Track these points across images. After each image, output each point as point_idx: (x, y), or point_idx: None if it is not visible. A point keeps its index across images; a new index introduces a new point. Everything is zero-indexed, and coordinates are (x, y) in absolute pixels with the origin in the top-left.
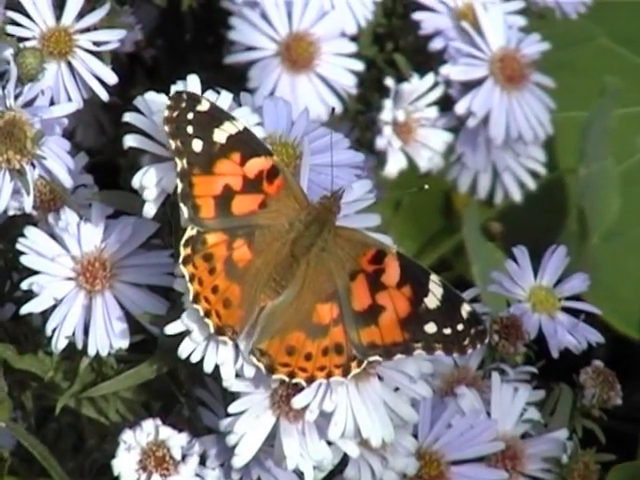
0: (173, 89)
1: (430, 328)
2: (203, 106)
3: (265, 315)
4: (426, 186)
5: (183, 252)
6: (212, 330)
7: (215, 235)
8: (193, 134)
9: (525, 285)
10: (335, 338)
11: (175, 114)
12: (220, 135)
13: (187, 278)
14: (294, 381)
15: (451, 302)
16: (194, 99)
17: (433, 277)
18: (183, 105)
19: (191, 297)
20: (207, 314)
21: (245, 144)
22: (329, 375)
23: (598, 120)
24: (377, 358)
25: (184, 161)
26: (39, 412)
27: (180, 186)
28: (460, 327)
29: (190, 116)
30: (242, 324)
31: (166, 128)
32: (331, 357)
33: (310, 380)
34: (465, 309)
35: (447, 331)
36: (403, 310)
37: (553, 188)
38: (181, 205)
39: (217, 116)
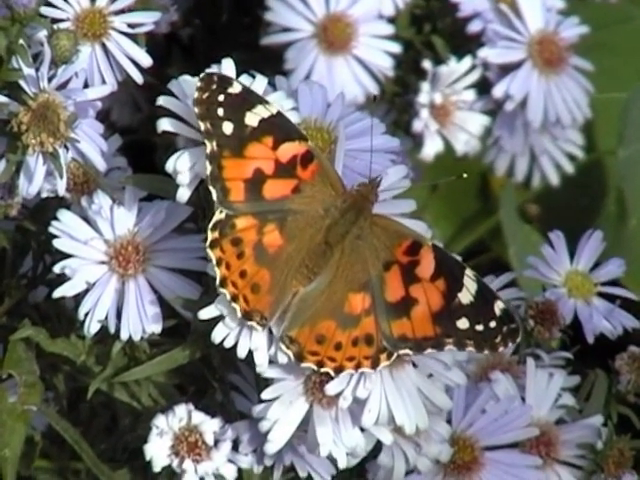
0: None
1: (462, 324)
2: (234, 88)
3: (296, 302)
4: (465, 175)
5: (210, 235)
6: (239, 314)
7: (244, 219)
8: (224, 116)
9: (561, 270)
10: (366, 329)
11: (205, 96)
12: (252, 118)
13: (214, 262)
14: (322, 370)
15: (485, 298)
16: (225, 81)
17: (468, 272)
18: (214, 87)
19: (218, 281)
20: (234, 298)
21: (278, 128)
22: (358, 366)
23: (637, 102)
24: (407, 351)
25: (214, 143)
26: (72, 391)
27: (209, 168)
28: (493, 324)
29: (221, 98)
30: (272, 310)
31: (195, 109)
32: (361, 348)
33: (338, 370)
34: (499, 306)
35: (479, 327)
36: (436, 304)
37: (592, 170)
38: (210, 187)
39: (249, 99)
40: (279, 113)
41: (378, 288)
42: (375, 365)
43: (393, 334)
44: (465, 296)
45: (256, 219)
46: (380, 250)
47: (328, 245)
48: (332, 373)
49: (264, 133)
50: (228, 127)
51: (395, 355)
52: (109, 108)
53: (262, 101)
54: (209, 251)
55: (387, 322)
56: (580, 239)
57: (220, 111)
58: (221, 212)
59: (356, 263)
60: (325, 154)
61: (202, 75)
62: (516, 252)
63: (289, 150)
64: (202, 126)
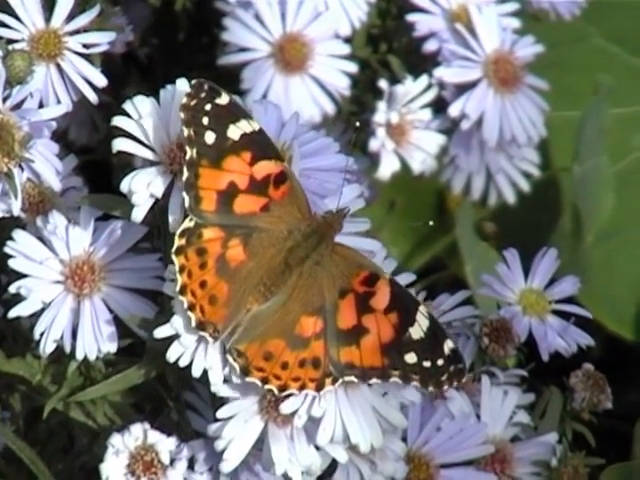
0: (162, 93)
1: (410, 358)
2: (222, 100)
3: (249, 317)
4: (431, 222)
5: (177, 242)
6: (193, 324)
7: (212, 230)
8: (207, 126)
9: (515, 288)
10: (314, 352)
11: (193, 103)
12: (234, 132)
13: (177, 268)
14: (266, 387)
15: (435, 336)
16: (214, 91)
17: (422, 309)
18: (202, 95)
19: (177, 288)
20: (191, 307)
21: (258, 145)
22: (302, 387)
23: (591, 118)
24: (352, 379)
25: (194, 151)
26: (29, 412)
27: (186, 175)
28: (440, 362)
29: (207, 107)
30: (225, 323)
31: (181, 115)
32: (307, 370)
33: (282, 389)
34: (448, 345)
35: (427, 364)
36: (386, 336)
37: (547, 187)
38: (184, 194)
39: (234, 112)
40: (261, 130)
41: (331, 314)
42: (319, 388)
43: (340, 360)
44: (416, 331)
45: (223, 232)
46: (337, 278)
47: (287, 266)
48: (275, 391)
49: (244, 148)
50: (210, 137)
51: (340, 381)
52: (67, 127)
53: (247, 116)
54: (173, 257)
55: (336, 348)
56: (534, 257)
57: (205, 120)
58: (191, 220)
59: (312, 287)
60: None
61: (193, 82)
62: (473, 270)
63: (264, 168)
64: (185, 132)
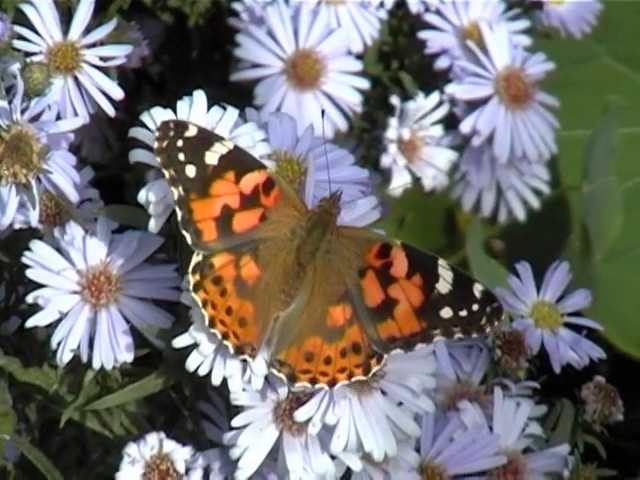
0: (179, 105)
1: (446, 313)
2: (191, 131)
3: (279, 326)
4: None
5: (192, 279)
6: (231, 352)
7: (221, 257)
8: (185, 161)
9: (528, 301)
10: (351, 338)
11: (165, 144)
12: (212, 157)
13: (200, 305)
14: (317, 387)
15: (463, 284)
16: (181, 125)
17: (441, 262)
18: (171, 134)
19: (207, 322)
20: (225, 336)
21: (237, 161)
22: (350, 376)
23: (601, 138)
24: (398, 351)
25: (180, 189)
26: (43, 425)
27: (180, 213)
28: (475, 307)
29: (180, 143)
30: (260, 339)
31: (157, 159)
32: (350, 357)
33: (332, 383)
34: (477, 289)
35: (463, 313)
36: (416, 299)
37: (556, 205)
38: (183, 232)
39: (206, 138)
40: (236, 147)
41: (357, 296)
42: (367, 371)
43: (381, 337)
44: (443, 286)
45: (231, 254)
46: (352, 259)
47: (300, 265)
48: (327, 387)
49: (225, 169)
50: (191, 170)
51: (386, 358)
52: (79, 144)
53: (218, 138)
54: (194, 295)
55: (373, 326)
56: (546, 271)
57: (181, 156)
58: (198, 254)
59: (330, 277)
60: (295, 185)
61: (159, 125)
62: None
63: (251, 181)
64: (166, 174)
